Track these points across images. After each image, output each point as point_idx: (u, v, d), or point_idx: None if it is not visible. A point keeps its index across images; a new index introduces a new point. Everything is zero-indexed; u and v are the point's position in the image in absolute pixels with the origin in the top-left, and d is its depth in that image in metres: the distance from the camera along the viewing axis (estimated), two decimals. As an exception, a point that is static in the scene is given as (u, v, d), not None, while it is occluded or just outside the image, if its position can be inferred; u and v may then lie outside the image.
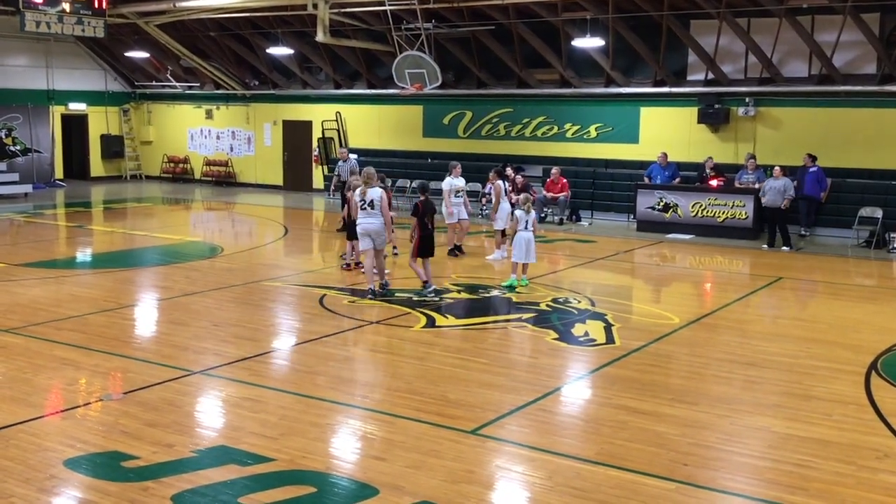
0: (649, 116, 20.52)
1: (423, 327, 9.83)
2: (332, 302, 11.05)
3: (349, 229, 12.79)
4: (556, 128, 21.81)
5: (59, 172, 27.64)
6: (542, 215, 19.63)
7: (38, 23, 20.56)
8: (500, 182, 14.36)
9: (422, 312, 10.45)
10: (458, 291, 11.84)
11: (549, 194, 19.66)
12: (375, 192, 11.19)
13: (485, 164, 21.69)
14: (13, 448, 6.03)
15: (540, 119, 21.98)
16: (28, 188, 24.04)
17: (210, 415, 7.12)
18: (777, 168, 16.42)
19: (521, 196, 12.76)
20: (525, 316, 10.42)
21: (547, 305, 11.01)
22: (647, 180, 18.80)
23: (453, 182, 14.86)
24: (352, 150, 20.21)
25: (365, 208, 11.21)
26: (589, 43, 19.34)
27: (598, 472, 5.82)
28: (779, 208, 16.13)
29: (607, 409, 7.17)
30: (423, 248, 11.53)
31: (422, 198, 11.68)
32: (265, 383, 7.71)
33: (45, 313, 10.15)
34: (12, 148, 26.07)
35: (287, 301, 11.51)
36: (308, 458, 5.95)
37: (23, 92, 26.17)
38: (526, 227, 12.07)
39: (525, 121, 22.19)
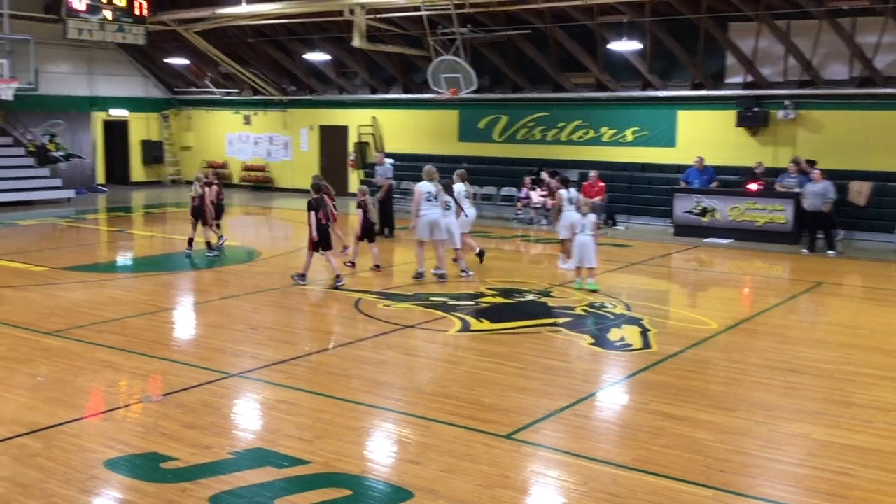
0: (687, 120, 20.34)
1: (458, 331, 9.83)
2: (368, 306, 11.10)
3: (369, 232, 13.75)
4: (592, 132, 21.72)
5: (100, 177, 28.13)
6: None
7: (80, 30, 20.98)
8: (562, 191, 14.05)
9: (456, 316, 10.45)
10: (493, 295, 11.83)
11: (586, 199, 19.53)
12: (436, 187, 12.56)
13: (520, 168, 21.70)
14: (55, 449, 6.14)
15: (576, 123, 21.90)
16: (70, 193, 24.47)
17: (247, 417, 7.20)
18: (816, 171, 16.18)
19: (582, 200, 12.78)
20: (560, 320, 10.38)
21: (582, 310, 10.95)
22: (683, 184, 18.63)
23: (464, 187, 14.49)
24: (388, 155, 20.29)
25: (430, 199, 12.58)
26: (625, 46, 19.24)
27: (633, 478, 5.77)
28: (820, 212, 15.90)
29: (643, 415, 7.11)
30: (324, 241, 12.16)
31: (314, 195, 12.27)
32: (301, 386, 7.76)
33: (86, 316, 10.33)
34: (55, 153, 26.57)
35: (322, 305, 11.59)
36: (343, 461, 5.98)
37: (65, 98, 26.68)
38: (583, 231, 12.00)
39: (561, 125, 22.12)
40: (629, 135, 21.18)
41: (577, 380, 8.07)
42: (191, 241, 14.89)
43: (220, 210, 15.38)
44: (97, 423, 6.84)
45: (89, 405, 7.32)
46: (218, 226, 15.40)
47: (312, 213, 12.07)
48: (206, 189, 14.87)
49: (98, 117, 28.05)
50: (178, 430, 6.54)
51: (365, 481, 5.71)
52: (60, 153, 26.80)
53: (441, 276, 12.85)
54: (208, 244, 14.90)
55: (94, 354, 8.66)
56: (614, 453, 6.26)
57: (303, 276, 12.45)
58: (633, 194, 20.46)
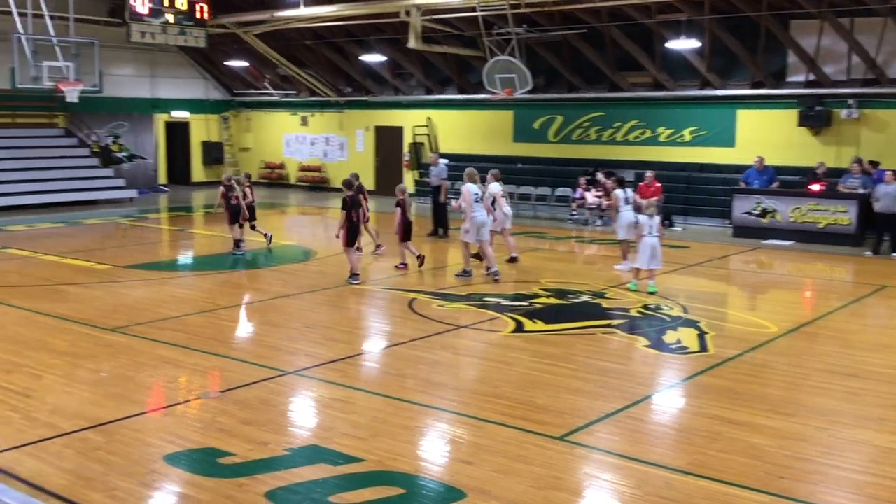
0: (746, 119, 19.99)
1: (512, 332, 9.81)
2: (422, 306, 11.14)
3: (407, 231, 13.87)
4: (648, 131, 21.48)
5: (162, 178, 28.75)
6: (634, 220, 19.31)
7: (143, 33, 21.45)
8: (618, 191, 13.92)
9: (510, 317, 10.44)
10: (547, 296, 11.78)
11: (642, 199, 19.32)
12: (480, 189, 13.00)
13: (575, 168, 21.56)
14: (117, 443, 6.29)
15: (632, 123, 21.68)
16: (133, 193, 25.04)
17: (302, 414, 7.29)
18: (889, 173, 15.67)
19: (644, 202, 12.63)
20: (615, 322, 10.29)
21: (638, 312, 10.84)
22: (743, 185, 18.31)
23: (499, 187, 14.34)
24: (442, 155, 20.32)
25: (478, 201, 13.03)
26: (684, 45, 18.99)
27: (689, 482, 5.70)
28: (893, 214, 15.46)
29: (700, 419, 7.01)
30: (352, 238, 12.55)
31: (350, 193, 12.61)
32: (355, 385, 7.83)
33: (147, 313, 10.57)
34: (118, 154, 27.23)
35: (377, 304, 11.67)
36: (397, 460, 6.02)
37: (128, 100, 27.31)
38: (650, 233, 11.91)
39: (617, 124, 21.93)
40: (687, 134, 20.89)
41: (631, 382, 7.99)
42: (238, 242, 15.16)
43: (251, 210, 15.58)
44: (157, 418, 6.99)
45: (150, 400, 7.50)
46: (253, 227, 15.67)
47: (344, 211, 12.46)
48: (226, 190, 15.12)
49: (160, 119, 28.67)
50: (235, 426, 6.65)
51: (418, 480, 5.74)
52: (124, 154, 27.45)
53: (496, 274, 12.84)
54: (236, 243, 15.15)
55: (154, 351, 8.86)
56: (670, 457, 6.19)
57: (356, 276, 12.54)
58: (690, 195, 20.18)
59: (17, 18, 18.98)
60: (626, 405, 7.25)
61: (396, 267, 13.66)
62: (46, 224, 19.20)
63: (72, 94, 19.80)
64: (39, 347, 8.93)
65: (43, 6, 19.29)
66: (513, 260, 14.39)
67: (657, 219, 12.06)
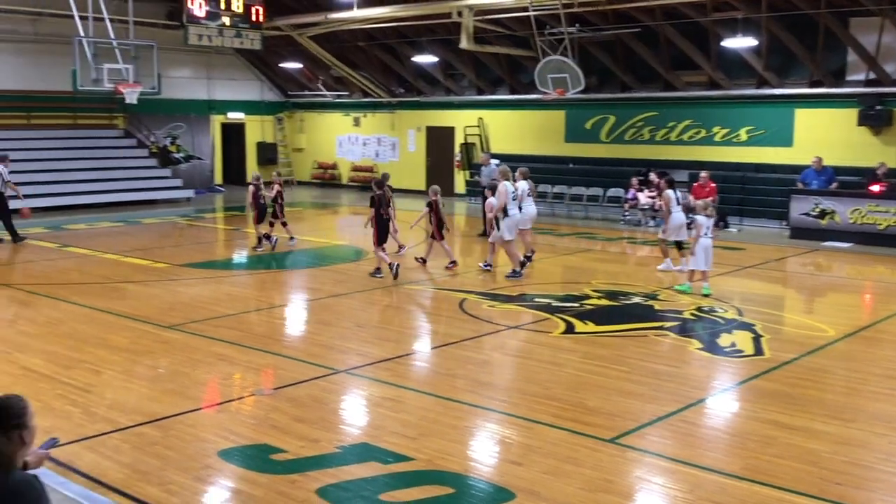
0: (804, 118, 19.59)
1: (562, 333, 9.77)
2: (472, 306, 11.15)
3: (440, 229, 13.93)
4: (703, 131, 21.19)
5: (217, 178, 29.23)
6: (688, 221, 19.07)
7: (200, 36, 21.82)
8: (670, 192, 13.78)
9: (560, 318, 10.39)
10: (598, 298, 11.70)
11: (696, 200, 19.07)
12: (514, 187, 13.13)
13: (627, 169, 21.37)
14: (173, 438, 6.42)
15: (687, 122, 21.41)
16: (190, 193, 25.50)
17: (353, 413, 7.35)
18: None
19: (701, 202, 12.50)
20: (668, 324, 10.17)
21: (691, 314, 10.70)
22: (801, 185, 17.95)
23: (526, 185, 14.33)
24: (493, 156, 20.33)
25: (514, 199, 13.07)
26: (740, 43, 18.70)
27: (742, 487, 5.61)
28: None
29: (754, 423, 6.89)
30: (381, 236, 12.91)
31: (378, 191, 12.98)
32: (405, 384, 7.87)
33: (203, 311, 10.75)
34: (176, 155, 27.77)
35: (428, 304, 11.71)
36: (446, 460, 6.03)
37: (186, 102, 27.83)
38: (707, 234, 11.77)
39: (671, 124, 21.68)
40: (743, 134, 20.56)
41: (684, 385, 7.89)
42: (269, 237, 15.73)
43: (281, 209, 16.26)
44: (212, 414, 7.11)
45: (205, 397, 7.63)
46: (284, 224, 16.19)
47: (373, 209, 12.88)
48: (255, 189, 15.71)
49: (216, 120, 29.16)
50: (287, 423, 6.74)
51: (467, 480, 5.74)
52: (181, 154, 27.99)
53: (489, 268, 13.33)
54: (259, 239, 15.74)
55: (210, 348, 9.01)
56: (723, 461, 6.10)
57: (392, 265, 12.77)
58: (746, 195, 19.85)
59: (78, 22, 19.46)
60: (679, 408, 7.17)
61: (447, 267, 13.69)
62: (106, 223, 19.66)
63: (131, 95, 20.23)
64: (99, 344, 9.15)
65: (103, 10, 19.75)
66: (528, 258, 14.28)
67: (713, 220, 11.89)
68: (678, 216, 13.47)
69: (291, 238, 16.24)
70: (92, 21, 19.55)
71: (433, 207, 13.92)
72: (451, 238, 14.09)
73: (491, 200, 13.25)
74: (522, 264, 13.45)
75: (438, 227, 13.91)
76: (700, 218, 11.88)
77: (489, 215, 13.39)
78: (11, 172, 17.19)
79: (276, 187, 16.24)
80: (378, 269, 13.04)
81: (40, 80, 23.80)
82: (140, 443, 6.30)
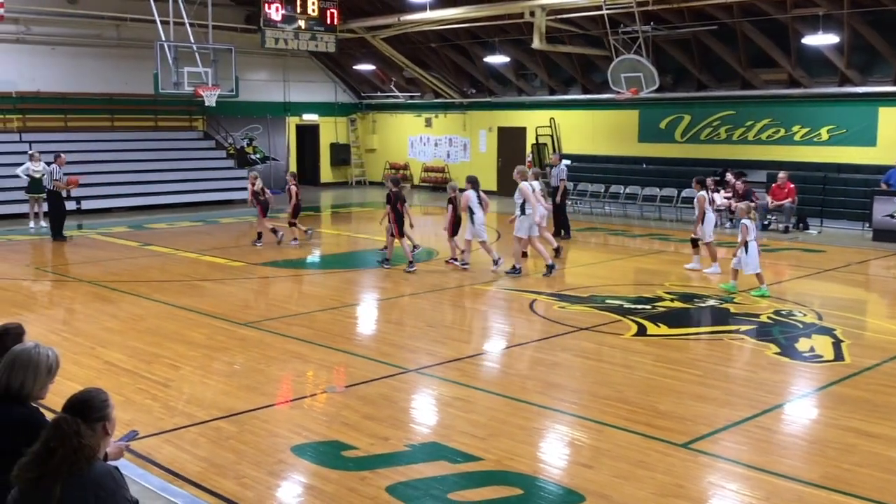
0: (889, 117, 18.91)
1: (634, 335, 9.65)
2: (542, 307, 11.10)
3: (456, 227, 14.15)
4: (782, 130, 20.66)
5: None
6: (766, 223, 18.66)
7: (276, 39, 22.26)
8: (703, 192, 13.68)
9: (632, 320, 10.26)
10: (672, 300, 11.51)
11: (774, 201, 18.63)
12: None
13: (703, 169, 20.95)
14: (247, 433, 6.56)
15: (765, 121, 20.91)
16: (269, 193, 25.92)
17: (423, 412, 7.40)
18: None
19: (743, 204, 12.24)
20: (743, 328, 9.95)
21: (768, 318, 10.45)
22: (884, 186, 17.34)
23: (539, 185, 14.33)
24: (565, 156, 20.19)
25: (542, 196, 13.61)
26: (821, 40, 18.16)
27: (821, 496, 5.46)
28: None
29: (834, 430, 6.70)
30: (400, 229, 13.64)
31: (395, 189, 13.73)
32: (475, 384, 7.88)
33: (278, 309, 10.96)
34: (253, 156, 28.36)
35: (498, 305, 11.70)
36: (515, 460, 6.02)
37: (262, 104, 28.39)
38: (755, 237, 11.63)
39: (748, 123, 21.19)
40: (824, 133, 19.97)
41: (760, 390, 7.70)
42: (273, 231, 16.42)
43: (293, 210, 16.74)
44: (286, 410, 7.25)
45: (279, 393, 7.78)
46: (291, 224, 16.69)
47: (389, 205, 13.60)
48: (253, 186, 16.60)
49: (292, 122, 29.67)
50: (358, 420, 6.82)
51: (536, 481, 5.73)
52: (258, 156, 28.57)
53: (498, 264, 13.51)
54: (260, 235, 16.52)
55: (284, 345, 9.18)
56: (800, 469, 5.94)
57: (412, 264, 13.56)
58: (827, 196, 19.26)
59: (160, 27, 20.03)
60: (755, 414, 7.01)
61: (447, 261, 14.11)
62: (185, 223, 20.18)
63: (210, 98, 20.73)
64: (178, 340, 9.41)
65: (184, 14, 20.29)
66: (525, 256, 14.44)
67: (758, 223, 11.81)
68: (711, 217, 13.63)
69: (294, 239, 16.53)
70: (173, 26, 20.09)
71: (454, 204, 14.02)
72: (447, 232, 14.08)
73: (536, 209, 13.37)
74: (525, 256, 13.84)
75: (455, 224, 14.06)
76: (747, 222, 11.78)
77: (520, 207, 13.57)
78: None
79: (292, 187, 16.69)
80: (410, 263, 13.57)
81: (123, 83, 24.60)
82: (216, 437, 6.46)
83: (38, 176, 18.51)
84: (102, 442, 3.56)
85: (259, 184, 16.59)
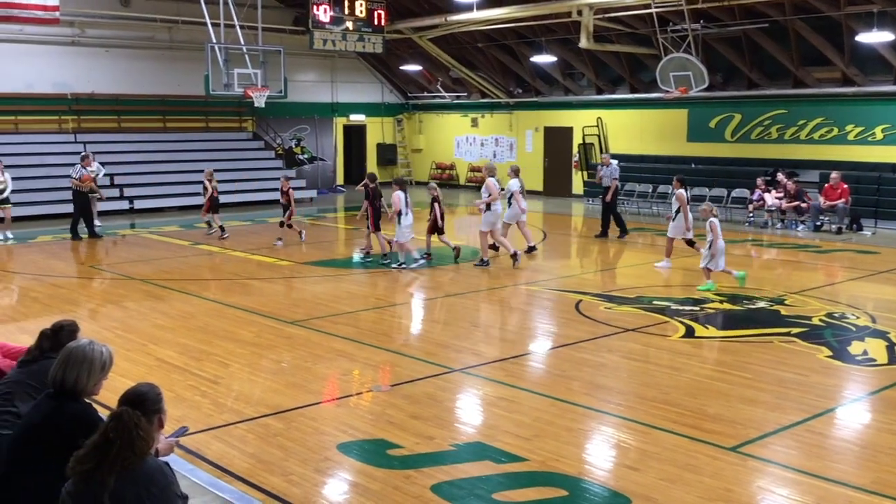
0: (947, 115, 18.46)
1: (682, 337, 9.54)
2: (588, 307, 11.04)
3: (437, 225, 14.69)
4: (835, 129, 20.26)
5: (339, 179, 29.95)
6: (819, 223, 18.32)
7: (324, 41, 22.44)
8: (681, 191, 13.84)
9: (680, 321, 10.15)
10: (720, 301, 11.36)
11: (827, 201, 18.28)
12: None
13: (753, 169, 20.68)
14: (294, 430, 6.63)
15: (818, 120, 20.52)
16: (313, 193, 26.23)
17: (468, 411, 7.41)
18: None
19: (706, 204, 12.63)
20: (794, 330, 9.78)
21: (820, 320, 10.26)
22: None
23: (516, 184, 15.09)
24: (612, 156, 20.03)
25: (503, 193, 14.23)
26: (876, 38, 17.78)
27: (872, 501, 5.35)
28: None
29: (887, 436, 6.55)
30: (377, 222, 14.48)
31: (372, 185, 14.66)
32: (520, 384, 7.87)
33: (324, 308, 11.06)
34: (301, 157, 28.65)
35: (544, 305, 11.66)
36: (560, 462, 6.00)
37: (310, 105, 28.67)
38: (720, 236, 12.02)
39: (801, 122, 20.83)
40: (878, 133, 19.54)
41: (811, 394, 7.57)
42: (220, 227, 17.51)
43: (284, 210, 16.91)
44: (332, 408, 7.31)
45: (325, 391, 7.85)
46: (290, 225, 16.89)
47: (367, 200, 14.42)
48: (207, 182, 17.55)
49: (339, 122, 29.91)
50: (404, 419, 6.85)
51: (581, 483, 5.70)
52: (305, 156, 28.86)
53: (487, 264, 13.98)
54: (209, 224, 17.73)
55: (330, 344, 9.26)
56: (852, 474, 5.83)
57: (386, 256, 14.35)
58: (882, 197, 18.84)
59: (210, 29, 20.33)
60: (805, 418, 6.89)
61: (422, 256, 14.46)
62: (235, 222, 20.45)
63: (259, 99, 20.98)
64: (227, 337, 9.55)
65: (234, 17, 20.57)
66: (531, 249, 15.03)
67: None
68: (690, 216, 13.89)
69: (279, 239, 16.68)
70: (223, 28, 20.39)
71: (438, 202, 14.54)
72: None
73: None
74: (515, 255, 14.02)
75: (435, 221, 14.55)
76: (714, 220, 12.02)
77: (476, 202, 14.64)
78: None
79: (290, 190, 16.86)
80: (384, 256, 14.32)
81: (175, 85, 25.03)
82: (264, 433, 6.54)
83: (92, 176, 18.96)
84: (157, 434, 3.64)
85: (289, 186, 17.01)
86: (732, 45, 20.98)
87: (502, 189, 14.74)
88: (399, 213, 13.86)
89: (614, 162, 18.47)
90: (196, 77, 22.14)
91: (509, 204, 14.90)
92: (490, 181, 14.27)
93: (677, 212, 13.85)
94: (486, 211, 14.11)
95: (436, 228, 14.62)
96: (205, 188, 17.66)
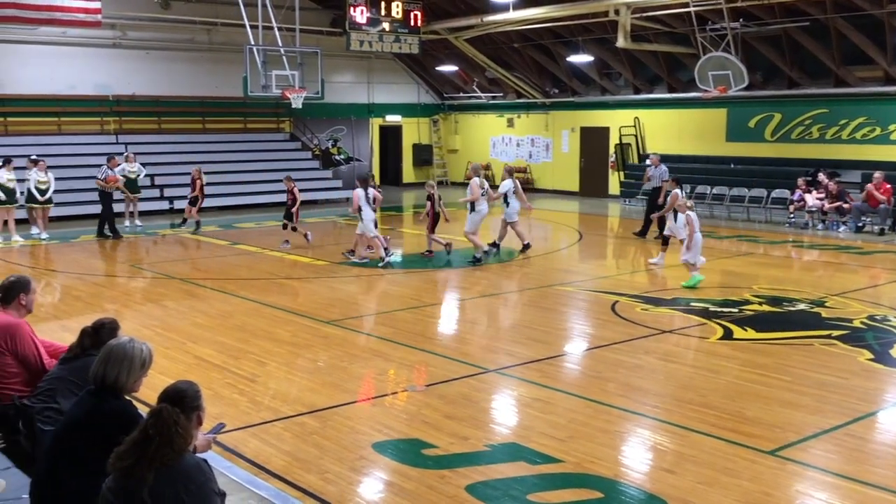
0: None
1: (720, 339, 9.44)
2: (625, 308, 10.97)
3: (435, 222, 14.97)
4: (878, 129, 19.92)
5: (375, 179, 30.03)
6: (861, 224, 18.01)
7: (361, 42, 22.57)
8: (677, 190, 13.81)
9: (718, 323, 10.05)
10: (760, 303, 11.22)
11: (872, 199, 17.95)
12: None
13: (794, 169, 20.39)
14: (330, 429, 6.68)
15: (860, 120, 20.19)
16: (349, 194, 26.29)
17: (502, 412, 7.40)
18: None
19: (682, 199, 12.85)
20: (835, 333, 9.63)
21: (861, 323, 10.09)
22: None
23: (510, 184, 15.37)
24: (647, 156, 19.86)
25: (484, 195, 14.54)
26: (920, 35, 17.44)
27: (916, 509, 5.25)
28: None
29: (931, 442, 6.43)
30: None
31: (431, 191, 14.96)
32: (555, 385, 7.84)
33: (360, 308, 11.12)
34: (337, 157, 28.82)
35: (579, 306, 11.61)
36: (596, 463, 5.97)
37: (347, 106, 28.84)
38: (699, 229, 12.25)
39: (842, 122, 20.50)
40: (923, 132, 19.17)
41: (852, 397, 7.45)
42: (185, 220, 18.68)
43: (286, 211, 17.03)
44: (367, 407, 7.35)
45: (361, 390, 7.89)
46: (294, 228, 16.87)
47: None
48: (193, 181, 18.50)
49: (375, 123, 30.04)
50: (438, 419, 6.86)
51: (617, 485, 5.67)
52: (342, 156, 29.01)
53: (479, 262, 14.33)
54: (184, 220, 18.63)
55: (365, 343, 9.31)
56: (892, 479, 5.72)
57: (352, 252, 14.71)
58: (926, 198, 18.48)
59: (249, 31, 20.53)
60: (846, 422, 6.78)
61: (422, 254, 14.99)
62: (272, 222, 20.61)
63: (296, 100, 21.14)
64: (264, 336, 9.64)
65: (272, 19, 20.75)
66: (526, 247, 15.42)
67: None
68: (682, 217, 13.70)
69: (286, 241, 16.63)
70: (261, 30, 20.58)
71: (432, 200, 14.79)
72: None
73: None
74: (493, 248, 14.79)
75: (434, 220, 14.82)
76: (692, 214, 12.19)
77: (462, 200, 14.97)
78: (187, 174, 18.38)
79: (295, 190, 16.81)
80: (351, 252, 14.66)
81: (214, 86, 25.34)
82: (300, 432, 6.59)
83: (133, 176, 19.32)
84: (194, 432, 3.68)
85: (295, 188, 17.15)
86: (772, 44, 20.72)
87: (489, 189, 15.05)
88: (359, 210, 14.24)
89: (663, 164, 18.27)
90: (234, 79, 22.37)
91: (506, 204, 15.26)
92: (473, 181, 14.63)
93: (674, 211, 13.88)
94: (471, 212, 14.49)
95: (434, 226, 14.87)
96: (195, 185, 18.51)
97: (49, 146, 21.97)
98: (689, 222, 12.18)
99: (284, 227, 16.97)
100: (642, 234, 17.37)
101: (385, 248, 14.30)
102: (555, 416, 6.99)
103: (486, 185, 15.21)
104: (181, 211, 22.29)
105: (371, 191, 14.55)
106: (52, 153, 21.13)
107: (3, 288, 5.67)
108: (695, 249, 12.20)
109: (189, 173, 19.34)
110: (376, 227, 14.61)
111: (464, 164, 30.89)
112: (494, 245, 15.45)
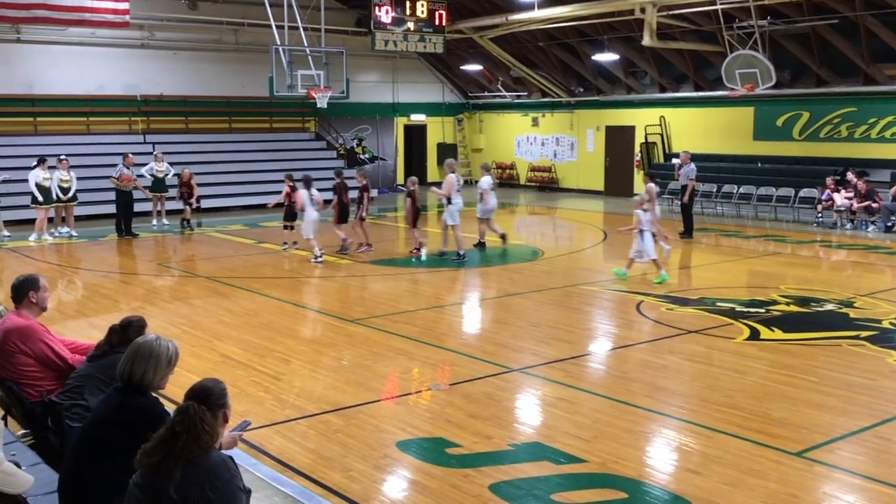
0: None
1: (746, 339, 9.36)
2: (650, 308, 10.91)
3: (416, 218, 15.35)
4: (908, 127, 19.65)
5: (399, 178, 30.11)
6: (890, 224, 17.78)
7: (386, 42, 22.62)
8: (651, 185, 14.12)
9: (745, 324, 9.96)
10: (787, 304, 11.12)
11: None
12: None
13: (822, 168, 20.17)
14: (354, 427, 6.70)
15: (889, 118, 19.92)
16: (374, 193, 26.40)
17: (526, 411, 7.39)
18: None
19: (637, 197, 13.06)
20: (864, 334, 9.52)
21: (890, 323, 9.96)
22: None
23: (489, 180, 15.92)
24: (674, 155, 19.74)
25: (459, 190, 14.94)
26: (952, 32, 17.19)
27: (946, 513, 5.18)
28: None
29: (961, 445, 6.34)
30: (343, 216, 15.55)
31: (338, 180, 15.78)
32: (579, 385, 7.82)
33: (384, 306, 11.15)
34: (362, 156, 28.89)
35: (603, 306, 11.56)
36: (620, 464, 5.95)
37: (372, 105, 28.91)
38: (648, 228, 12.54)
39: (872, 120, 20.24)
40: (955, 130, 18.89)
41: (880, 399, 7.36)
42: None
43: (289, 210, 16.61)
44: (391, 405, 7.37)
45: (385, 389, 7.91)
46: (285, 227, 16.62)
47: (335, 195, 15.47)
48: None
49: (399, 122, 30.09)
50: (462, 418, 6.87)
51: (641, 486, 5.64)
52: (366, 156, 29.08)
53: (463, 257, 14.65)
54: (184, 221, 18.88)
55: (389, 342, 9.33)
56: (923, 483, 5.66)
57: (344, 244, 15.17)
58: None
59: (275, 31, 20.64)
60: (874, 423, 6.70)
61: (411, 252, 15.27)
62: (297, 221, 20.72)
63: (322, 100, 21.22)
64: (289, 334, 9.69)
65: (298, 19, 20.84)
66: (503, 237, 16.08)
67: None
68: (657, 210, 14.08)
69: (284, 244, 16.42)
70: (287, 30, 20.68)
71: (412, 197, 15.07)
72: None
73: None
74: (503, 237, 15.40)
75: (415, 216, 15.14)
76: (639, 211, 12.39)
77: (437, 192, 15.39)
78: (214, 173, 18.53)
79: (288, 188, 16.53)
80: (320, 253, 14.54)
81: (241, 86, 25.50)
82: (325, 430, 6.62)
83: (160, 175, 19.48)
84: (220, 430, 3.71)
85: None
86: (800, 42, 20.50)
87: (460, 184, 15.31)
88: (302, 210, 14.69)
89: (692, 163, 18.15)
90: (261, 79, 22.49)
91: (481, 200, 15.71)
92: (449, 177, 15.02)
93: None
94: (448, 204, 14.84)
95: (415, 221, 15.16)
96: (188, 187, 18.96)
97: (78, 146, 22.22)
98: (637, 220, 12.45)
99: (286, 228, 16.76)
100: (687, 234, 17.20)
101: (321, 252, 14.54)
102: (579, 415, 6.97)
103: (461, 181, 15.88)
104: (207, 210, 22.49)
105: (314, 192, 14.74)
106: (81, 153, 21.40)
107: (13, 287, 5.75)
108: (647, 245, 12.47)
109: (215, 172, 19.50)
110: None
111: (488, 162, 30.86)
112: (480, 244, 15.98)
